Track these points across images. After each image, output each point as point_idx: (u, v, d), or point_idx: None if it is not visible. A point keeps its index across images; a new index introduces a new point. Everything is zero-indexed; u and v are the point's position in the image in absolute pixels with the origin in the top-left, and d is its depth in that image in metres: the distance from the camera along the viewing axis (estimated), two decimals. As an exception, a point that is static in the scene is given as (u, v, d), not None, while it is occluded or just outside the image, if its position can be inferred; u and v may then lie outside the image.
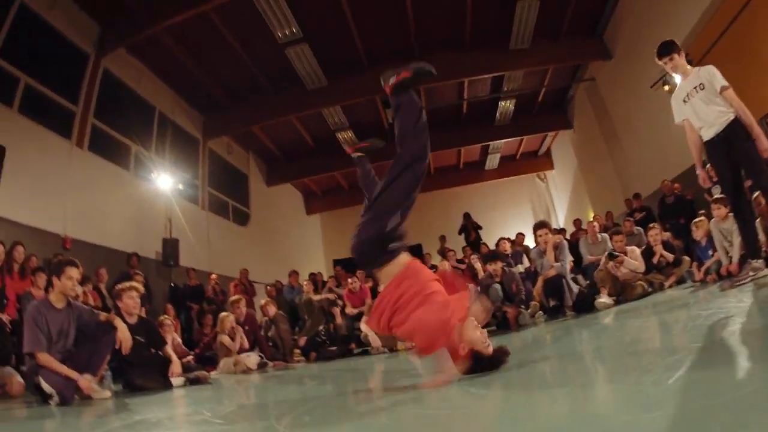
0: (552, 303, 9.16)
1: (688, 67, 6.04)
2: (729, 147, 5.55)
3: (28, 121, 11.10)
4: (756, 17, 10.90)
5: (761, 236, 7.50)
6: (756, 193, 8.18)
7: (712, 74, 5.70)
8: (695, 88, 5.79)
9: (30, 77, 11.21)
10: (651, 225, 10.13)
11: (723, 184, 5.96)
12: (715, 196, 8.69)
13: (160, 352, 6.96)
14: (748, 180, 6.00)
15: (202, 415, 3.63)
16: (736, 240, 7.67)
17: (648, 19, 13.75)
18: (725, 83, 5.60)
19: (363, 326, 9.01)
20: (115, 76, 13.83)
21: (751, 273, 5.42)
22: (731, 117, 5.54)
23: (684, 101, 5.91)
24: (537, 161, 26.44)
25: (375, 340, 8.75)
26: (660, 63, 6.09)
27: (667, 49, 5.95)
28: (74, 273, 5.49)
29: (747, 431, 1.34)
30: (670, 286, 9.07)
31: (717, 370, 2.18)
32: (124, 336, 5.53)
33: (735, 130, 5.52)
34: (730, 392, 1.76)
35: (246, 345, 8.93)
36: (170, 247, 14.39)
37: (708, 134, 5.76)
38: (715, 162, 5.84)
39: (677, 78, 6.32)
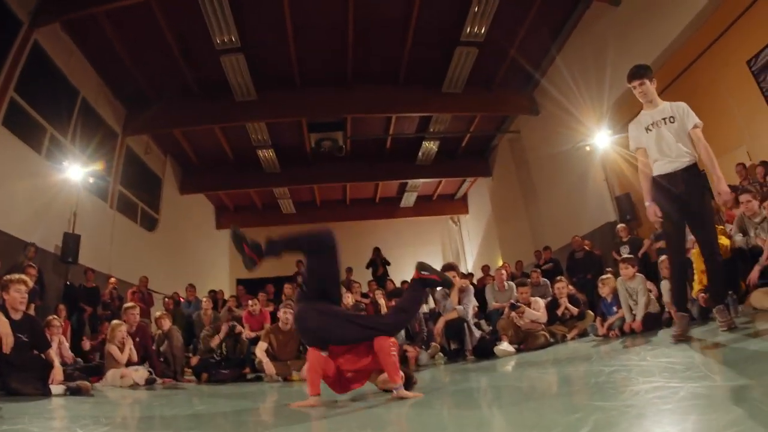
0: (453, 346, 9.10)
1: (657, 98, 5.81)
2: (684, 187, 5.35)
3: None
4: (688, 82, 11.36)
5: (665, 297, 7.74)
6: (662, 257, 8.47)
7: (686, 111, 5.55)
8: (665, 119, 5.60)
9: None
10: (558, 278, 10.37)
11: (666, 222, 5.61)
12: (624, 256, 9.08)
13: (43, 355, 6.44)
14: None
15: (74, 432, 3.33)
16: (642, 299, 7.96)
17: (577, 82, 14.08)
18: (699, 121, 5.49)
19: (258, 352, 8.66)
20: (45, 51, 12.96)
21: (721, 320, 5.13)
22: (694, 160, 5.40)
23: (647, 130, 5.69)
24: (452, 204, 26.78)
25: (269, 368, 8.41)
26: (630, 86, 5.85)
27: (640, 72, 5.74)
28: None
29: None
30: (573, 339, 9.21)
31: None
32: (5, 331, 5.15)
33: (694, 173, 5.41)
34: None
35: (135, 358, 8.41)
36: (71, 242, 13.55)
37: (665, 168, 5.51)
38: (663, 197, 5.50)
39: (644, 109, 5.92)
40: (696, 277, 7.57)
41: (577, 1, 13.88)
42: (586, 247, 13.73)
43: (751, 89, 9.95)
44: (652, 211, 5.57)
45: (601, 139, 14.04)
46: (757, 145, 10.08)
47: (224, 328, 9.84)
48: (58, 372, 6.32)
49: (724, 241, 7.09)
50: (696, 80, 11.33)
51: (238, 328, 9.98)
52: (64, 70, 13.89)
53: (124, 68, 15.05)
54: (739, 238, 7.28)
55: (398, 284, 14.16)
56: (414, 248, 25.49)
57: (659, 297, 8.21)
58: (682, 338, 5.18)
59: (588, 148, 14.60)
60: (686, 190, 5.28)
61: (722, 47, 10.59)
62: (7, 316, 5.80)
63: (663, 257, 8.30)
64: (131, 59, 14.74)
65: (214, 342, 9.72)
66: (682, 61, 11.47)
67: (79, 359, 8.84)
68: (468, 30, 14.03)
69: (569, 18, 14.38)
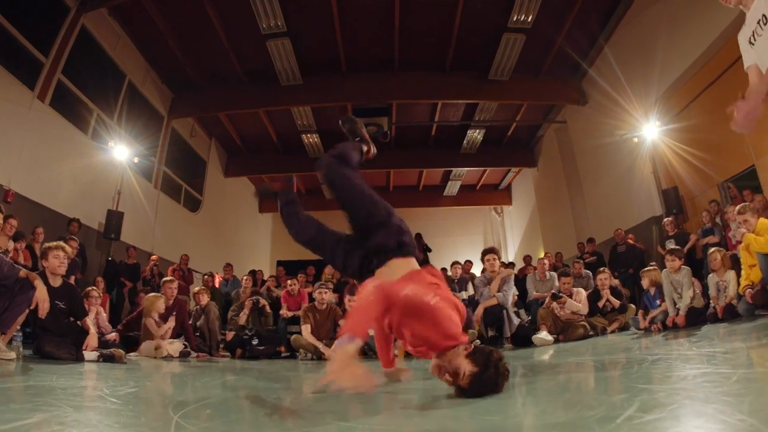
0: (491, 333, 9.05)
1: None
2: None
3: None
4: (739, 74, 10.99)
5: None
6: (712, 249, 8.21)
7: None
8: (759, 21, 4.24)
9: (6, 18, 10.64)
10: (600, 269, 10.26)
11: None
12: (670, 248, 8.71)
13: (79, 323, 6.56)
14: None
15: (101, 391, 3.35)
16: (686, 293, 7.74)
17: (626, 72, 13.83)
18: None
19: (306, 334, 8.66)
20: (92, 35, 13.25)
21: None
22: None
23: (750, 43, 4.37)
24: (496, 194, 26.55)
25: (325, 349, 8.36)
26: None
27: None
28: None
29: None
30: (613, 332, 9.10)
31: (666, 411, 1.98)
32: (41, 296, 5.21)
33: None
34: None
35: (169, 334, 8.47)
36: (114, 219, 13.81)
37: None
38: None
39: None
40: (743, 272, 7.36)
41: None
42: (630, 241, 13.52)
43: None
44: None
45: (649, 131, 13.76)
46: None
47: (248, 304, 9.97)
48: (93, 339, 6.43)
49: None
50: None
51: (262, 301, 10.10)
52: (111, 54, 14.14)
53: (170, 53, 15.25)
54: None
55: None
56: (456, 237, 25.51)
57: (704, 292, 8.03)
58: None
59: (636, 140, 14.33)
60: None
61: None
62: (47, 283, 5.85)
63: (712, 250, 8.16)
64: (177, 44, 14.92)
65: (242, 319, 9.88)
66: (734, 51, 11.14)
67: (114, 331, 8.91)
68: (515, 17, 13.85)
69: (618, 5, 14.10)
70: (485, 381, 2.72)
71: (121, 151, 14.22)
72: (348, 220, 3.73)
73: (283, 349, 9.80)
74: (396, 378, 3.53)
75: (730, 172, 11.69)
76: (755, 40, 4.25)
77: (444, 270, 12.11)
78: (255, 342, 9.52)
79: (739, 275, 7.46)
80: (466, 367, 2.73)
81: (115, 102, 14.53)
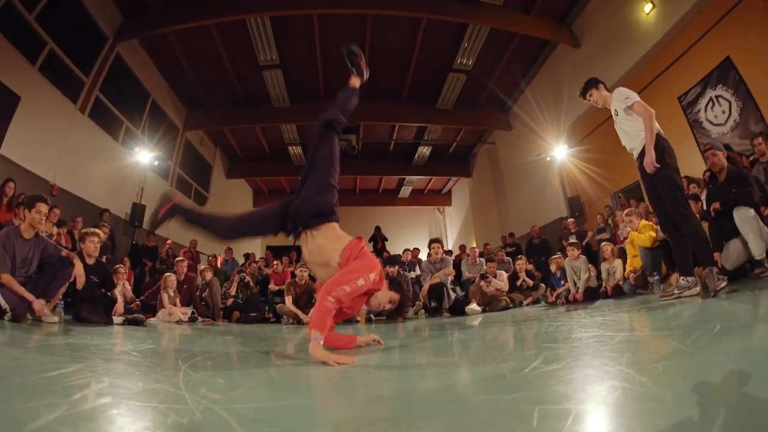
0: (433, 304, 9.18)
1: (608, 96, 5.12)
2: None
3: (45, 80, 10.47)
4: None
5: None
6: (604, 243, 8.47)
7: (618, 97, 4.82)
8: (614, 114, 4.97)
9: (55, 44, 10.66)
10: (519, 256, 10.52)
11: (650, 197, 4.89)
12: (571, 241, 9.05)
13: (109, 293, 6.56)
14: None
15: (125, 347, 3.32)
16: (584, 275, 8.03)
17: (541, 107, 14.15)
18: (633, 98, 4.70)
19: (288, 304, 8.71)
20: (125, 61, 13.20)
21: (676, 291, 4.69)
22: (644, 137, 4.62)
23: (617, 129, 4.98)
24: (439, 197, 26.76)
25: (303, 316, 8.34)
26: (585, 102, 5.35)
27: (584, 88, 5.24)
28: (43, 208, 5.12)
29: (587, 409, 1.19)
30: (528, 304, 9.30)
31: (563, 363, 2.04)
32: (79, 272, 5.21)
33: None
34: (579, 380, 1.62)
35: (178, 304, 8.38)
36: (138, 210, 13.71)
37: (635, 154, 4.83)
38: (642, 179, 4.84)
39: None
40: (628, 261, 7.65)
41: (545, 43, 13.83)
42: (542, 236, 13.77)
43: (680, 119, 9.85)
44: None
45: (559, 152, 14.11)
46: (682, 163, 9.93)
47: (236, 278, 9.96)
48: (119, 306, 6.45)
49: (652, 232, 7.06)
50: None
51: (247, 278, 10.04)
52: (139, 77, 14.06)
53: (186, 77, 15.17)
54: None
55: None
56: (407, 230, 25.64)
57: (598, 276, 8.24)
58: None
59: (548, 159, 14.64)
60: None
61: (659, 83, 10.48)
62: (83, 262, 5.82)
63: (604, 243, 8.47)
64: (192, 70, 14.86)
65: (232, 290, 9.84)
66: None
67: (137, 300, 8.82)
68: (459, 60, 14.08)
69: (539, 56, 14.35)
70: (406, 297, 3.38)
71: (145, 156, 14.11)
72: (305, 173, 3.38)
73: (270, 315, 9.82)
74: (368, 342, 3.51)
75: (621, 184, 12.04)
76: (617, 126, 4.92)
77: (399, 255, 12.18)
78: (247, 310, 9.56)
79: (625, 263, 7.69)
80: (393, 295, 3.28)
81: (140, 115, 14.40)
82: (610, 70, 11.08)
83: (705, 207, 6.14)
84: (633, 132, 4.76)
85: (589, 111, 12.22)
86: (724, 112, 9.07)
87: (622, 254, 7.93)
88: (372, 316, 8.67)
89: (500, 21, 12.36)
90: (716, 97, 9.18)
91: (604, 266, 8.11)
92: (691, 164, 9.45)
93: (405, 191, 25.47)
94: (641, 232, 7.26)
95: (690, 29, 9.63)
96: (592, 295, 7.95)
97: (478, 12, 12.23)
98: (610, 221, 11.49)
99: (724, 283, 4.36)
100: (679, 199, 4.58)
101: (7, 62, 9.46)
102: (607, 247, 8.21)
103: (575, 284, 8.29)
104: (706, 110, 9.46)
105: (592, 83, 5.22)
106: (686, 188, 8.42)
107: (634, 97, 4.72)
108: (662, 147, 4.62)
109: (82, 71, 11.71)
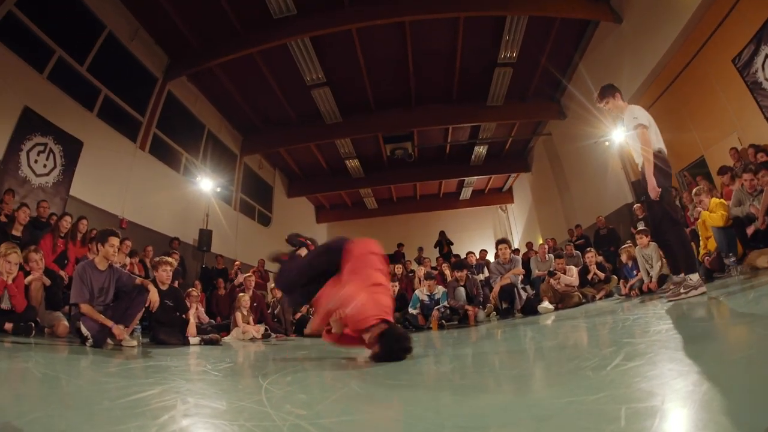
0: (504, 306, 9.06)
1: (623, 107, 5.23)
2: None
3: (104, 124, 11.20)
4: (683, 84, 10.94)
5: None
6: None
7: (629, 115, 4.98)
8: (625, 128, 5.11)
9: (109, 90, 11.38)
10: (588, 249, 10.17)
11: (649, 213, 5.11)
12: (640, 228, 8.65)
13: (183, 316, 6.84)
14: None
15: (204, 367, 3.43)
16: (656, 264, 7.66)
17: (597, 85, 13.67)
18: (640, 122, 4.84)
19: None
20: (176, 97, 13.85)
21: (682, 290, 4.67)
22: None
23: (626, 141, 5.22)
24: (501, 196, 26.36)
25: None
26: (600, 106, 5.40)
27: (602, 94, 5.29)
28: (115, 242, 5.40)
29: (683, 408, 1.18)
30: (600, 298, 9.02)
31: (645, 358, 1.98)
32: (153, 297, 5.44)
33: (644, 176, 4.89)
34: (663, 376, 1.56)
35: (251, 322, 8.59)
36: (205, 236, 14.27)
37: (639, 168, 5.01)
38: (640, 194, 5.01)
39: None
40: (701, 243, 7.25)
41: (587, 24, 13.45)
42: (609, 226, 13.37)
43: (738, 83, 9.36)
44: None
45: (617, 134, 13.59)
46: (747, 131, 9.49)
47: None
48: (191, 327, 6.73)
49: (723, 211, 6.74)
50: (691, 80, 10.80)
51: None
52: (192, 110, 14.72)
53: (237, 105, 15.71)
54: (736, 209, 6.87)
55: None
56: (471, 232, 25.43)
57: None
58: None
59: (607, 143, 14.17)
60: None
61: (710, 49, 10.01)
62: (157, 287, 6.05)
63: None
64: (242, 98, 15.38)
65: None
66: (681, 63, 10.93)
67: (211, 320, 9.11)
68: (503, 54, 13.90)
69: (581, 38, 13.97)
70: (383, 357, 2.98)
71: (206, 184, 14.62)
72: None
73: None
74: None
75: (685, 162, 11.52)
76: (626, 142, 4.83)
77: (466, 258, 12.06)
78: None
79: (698, 246, 7.34)
80: (375, 346, 3.06)
81: (198, 146, 14.98)
82: (658, 41, 10.64)
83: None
84: (639, 149, 4.88)
85: (642, 87, 11.78)
86: (783, 65, 8.57)
87: (695, 237, 7.52)
88: (443, 321, 8.64)
89: (536, 8, 12.10)
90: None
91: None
92: (757, 131, 9.01)
93: (465, 193, 25.19)
94: (713, 211, 6.86)
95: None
96: (666, 283, 7.56)
97: (513, 2, 12.06)
98: (677, 203, 11.04)
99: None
100: (669, 226, 4.82)
101: (66, 112, 10.15)
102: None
103: (648, 273, 7.90)
104: (763, 68, 8.80)
105: (609, 92, 5.28)
106: (754, 157, 8.08)
107: (642, 119, 4.87)
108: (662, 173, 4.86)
109: (138, 111, 12.35)
